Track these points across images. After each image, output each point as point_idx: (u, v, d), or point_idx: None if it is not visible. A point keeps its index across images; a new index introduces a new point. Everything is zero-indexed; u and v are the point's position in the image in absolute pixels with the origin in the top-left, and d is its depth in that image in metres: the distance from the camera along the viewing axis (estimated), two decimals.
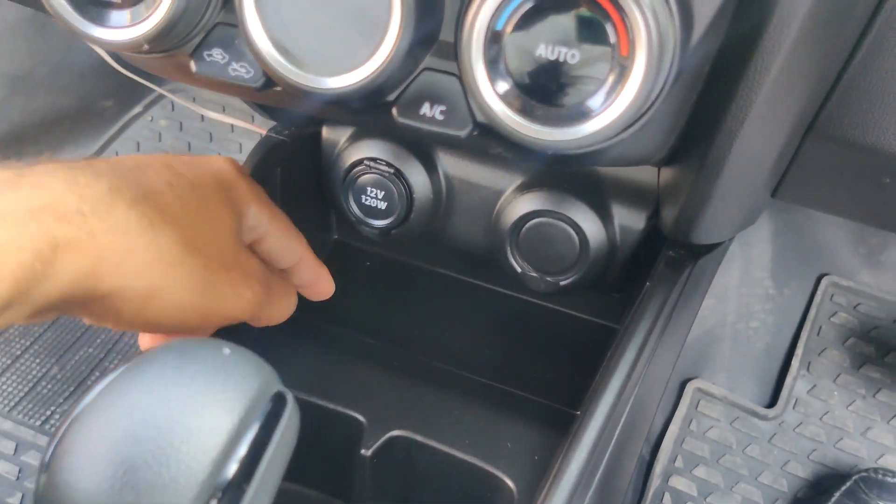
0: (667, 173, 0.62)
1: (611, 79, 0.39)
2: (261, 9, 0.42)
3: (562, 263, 0.68)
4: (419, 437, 0.66)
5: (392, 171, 0.69)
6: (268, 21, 0.42)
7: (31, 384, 1.07)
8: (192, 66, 0.47)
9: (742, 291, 1.11)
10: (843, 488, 0.91)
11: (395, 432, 0.66)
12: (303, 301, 0.64)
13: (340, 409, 0.67)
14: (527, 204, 0.67)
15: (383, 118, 0.45)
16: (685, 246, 0.65)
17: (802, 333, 1.07)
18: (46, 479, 0.34)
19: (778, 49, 0.43)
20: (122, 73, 1.17)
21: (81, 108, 1.32)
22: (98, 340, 1.10)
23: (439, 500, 0.70)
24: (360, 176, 0.70)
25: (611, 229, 0.67)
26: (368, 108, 0.45)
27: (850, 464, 0.98)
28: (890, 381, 1.03)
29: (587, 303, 0.78)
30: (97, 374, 1.08)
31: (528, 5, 0.39)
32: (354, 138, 0.71)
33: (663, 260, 0.64)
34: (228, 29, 0.46)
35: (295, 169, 0.73)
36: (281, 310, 0.61)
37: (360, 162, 0.70)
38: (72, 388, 1.07)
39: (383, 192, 0.70)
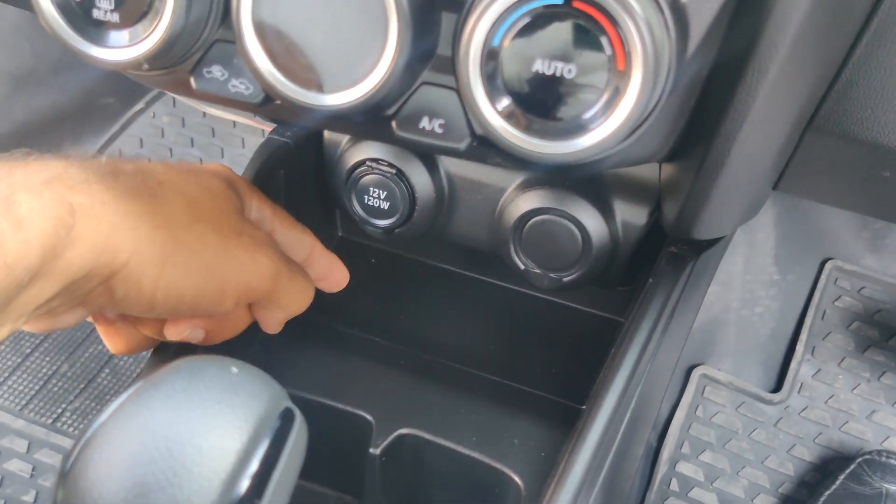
0: (668, 170, 0.62)
1: (608, 92, 0.40)
2: (259, 26, 0.43)
3: (565, 260, 0.68)
4: (427, 435, 0.67)
5: (394, 171, 0.69)
6: (266, 38, 0.43)
7: (41, 382, 1.08)
8: (192, 82, 0.47)
9: (746, 278, 1.12)
10: (847, 471, 0.92)
11: (403, 430, 0.67)
12: None
13: (349, 408, 0.68)
14: (529, 202, 0.67)
15: (383, 131, 0.45)
16: (687, 241, 0.65)
17: (807, 318, 1.08)
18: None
19: (775, 53, 0.43)
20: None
21: (83, 105, 1.32)
22: None
23: (448, 496, 0.71)
24: (362, 177, 0.70)
25: (613, 225, 0.67)
26: (368, 122, 0.46)
27: (855, 447, 0.99)
28: (894, 364, 1.04)
29: (591, 296, 0.79)
30: (107, 371, 1.09)
31: (525, 21, 0.39)
32: (356, 139, 0.71)
33: (665, 256, 0.64)
34: (227, 46, 0.46)
35: (298, 170, 0.73)
36: (301, 290, 0.60)
37: (362, 163, 0.70)
38: (82, 386, 1.08)
39: (386, 193, 0.70)
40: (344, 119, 0.44)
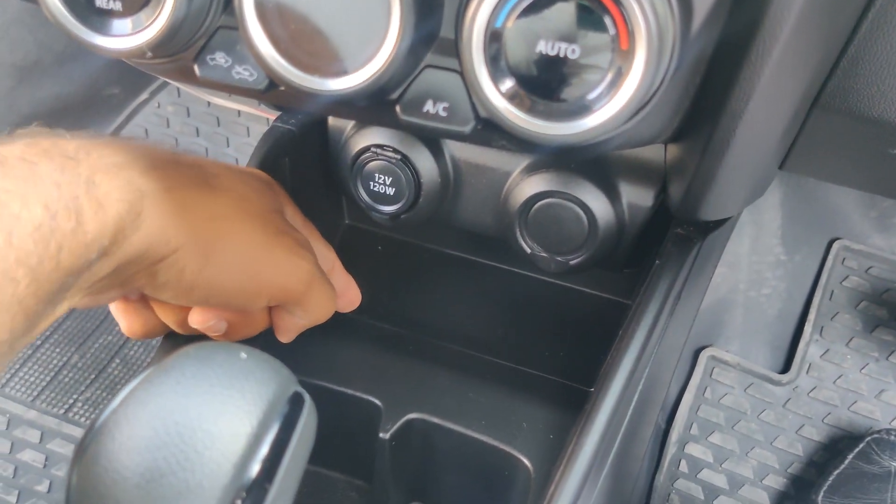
0: (673, 150, 0.62)
1: (611, 72, 0.40)
2: (261, 11, 0.43)
3: (571, 243, 0.68)
4: (436, 419, 0.67)
5: (399, 156, 0.69)
6: (268, 24, 0.43)
7: (52, 373, 1.09)
8: (196, 70, 0.47)
9: (753, 259, 1.12)
10: (857, 450, 0.92)
11: (412, 415, 0.67)
12: None
13: (359, 394, 0.69)
14: (534, 185, 0.67)
15: (387, 116, 0.45)
16: (693, 222, 0.65)
17: (814, 298, 1.07)
18: (74, 491, 0.35)
19: (779, 30, 0.42)
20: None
21: (88, 96, 1.32)
22: (118, 328, 1.12)
23: (457, 479, 0.72)
24: (367, 163, 0.70)
25: (619, 208, 0.67)
26: (372, 107, 0.45)
27: (864, 426, 0.99)
28: None
29: (598, 279, 0.79)
30: (117, 360, 1.10)
31: (528, 1, 0.39)
32: (360, 125, 0.71)
33: (672, 237, 0.64)
34: (230, 32, 0.46)
35: (303, 158, 0.73)
36: (328, 299, 0.60)
37: (367, 149, 0.70)
38: (93, 376, 1.08)
39: (391, 178, 0.70)
40: (348, 104, 0.45)
